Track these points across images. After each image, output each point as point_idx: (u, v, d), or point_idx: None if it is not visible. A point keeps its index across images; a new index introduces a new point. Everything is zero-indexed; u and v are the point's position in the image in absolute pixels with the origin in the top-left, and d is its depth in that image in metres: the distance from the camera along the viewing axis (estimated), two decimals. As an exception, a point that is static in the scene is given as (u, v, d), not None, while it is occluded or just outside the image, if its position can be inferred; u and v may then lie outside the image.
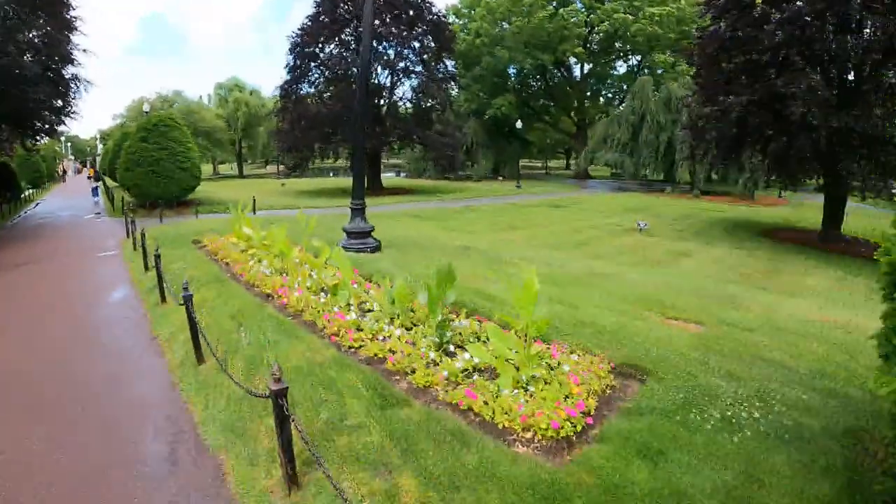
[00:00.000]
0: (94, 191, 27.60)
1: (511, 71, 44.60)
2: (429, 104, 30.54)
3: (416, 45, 29.88)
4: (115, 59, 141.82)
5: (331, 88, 29.75)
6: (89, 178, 29.08)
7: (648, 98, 37.86)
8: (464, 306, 5.76)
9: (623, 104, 46.71)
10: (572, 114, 48.85)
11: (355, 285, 6.47)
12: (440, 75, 29.94)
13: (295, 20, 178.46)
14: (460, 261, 9.51)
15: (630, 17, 40.64)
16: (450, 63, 31.73)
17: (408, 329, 5.11)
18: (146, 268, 9.22)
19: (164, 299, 7.32)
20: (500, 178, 40.89)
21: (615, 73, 50.43)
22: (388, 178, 43.83)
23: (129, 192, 20.67)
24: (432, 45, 29.99)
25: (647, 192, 35.94)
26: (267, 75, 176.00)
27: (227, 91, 60.69)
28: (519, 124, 37.05)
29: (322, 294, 6.43)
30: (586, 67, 48.02)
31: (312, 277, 7.01)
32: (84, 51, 20.24)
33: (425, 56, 29.84)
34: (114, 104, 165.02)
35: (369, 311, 5.72)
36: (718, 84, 16.51)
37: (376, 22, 28.05)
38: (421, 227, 18.66)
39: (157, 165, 19.37)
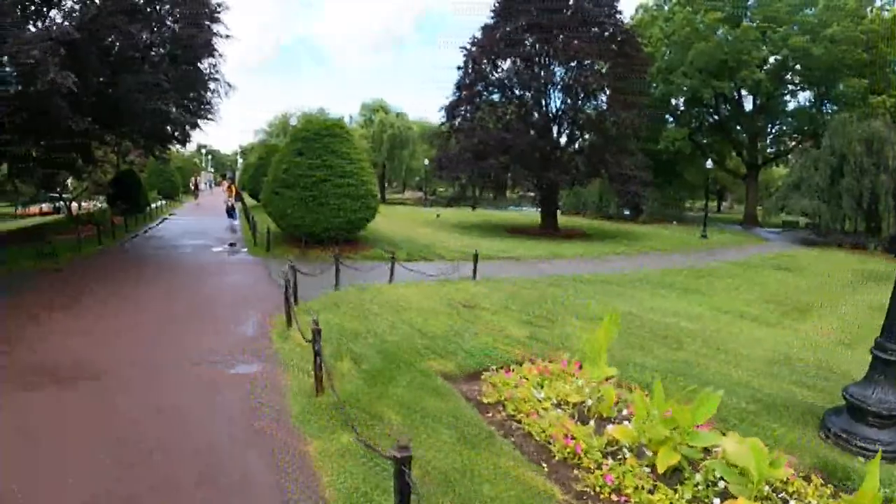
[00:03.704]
0: (231, 211, 24.15)
1: (677, 101, 38.61)
2: (614, 132, 24.97)
3: (606, 64, 24.91)
4: (255, 77, 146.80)
5: (506, 111, 25.06)
6: (228, 200, 25.25)
7: (850, 138, 31.68)
8: None
9: (798, 144, 40.85)
10: (743, 152, 41.62)
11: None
12: (631, 99, 24.35)
13: (442, 43, 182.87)
14: None
15: (808, 40, 33.72)
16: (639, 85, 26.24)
17: None
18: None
19: None
20: (674, 222, 34.56)
21: (787, 108, 43.46)
22: (512, 213, 38.88)
23: (277, 221, 16.38)
24: (623, 65, 24.71)
25: (850, 249, 29.71)
26: (410, 98, 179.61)
27: (371, 112, 58.98)
28: (709, 164, 30.86)
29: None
30: (758, 100, 41.27)
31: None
32: (226, 37, 16.59)
33: (613, 77, 24.58)
34: (255, 121, 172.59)
35: None
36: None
37: (559, 38, 23.37)
38: (679, 304, 13.10)
39: (316, 189, 14.76)
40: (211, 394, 5.71)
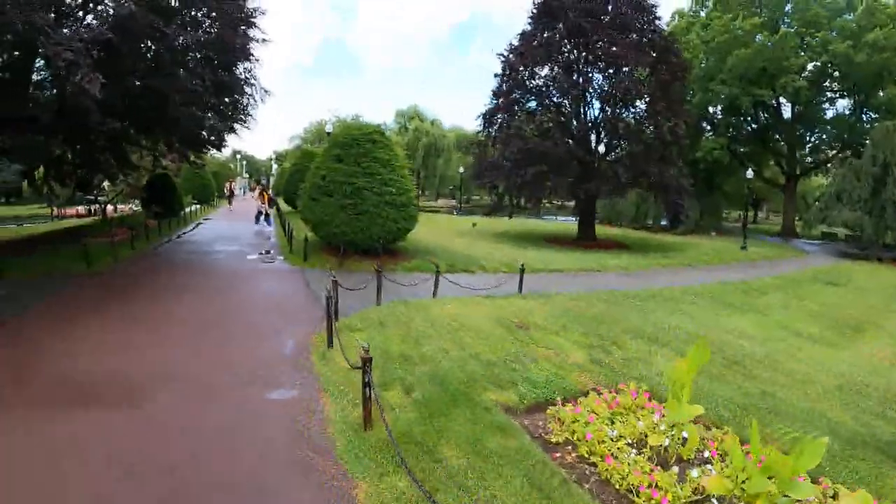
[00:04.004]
0: (264, 218, 23.90)
1: (714, 110, 37.66)
2: (655, 141, 24.32)
3: (644, 71, 24.30)
4: (289, 83, 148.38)
5: (544, 119, 24.73)
6: (261, 206, 24.75)
7: (893, 148, 30.79)
8: None
9: (837, 153, 39.74)
10: (782, 162, 40.46)
11: None
12: (671, 107, 23.61)
13: (476, 50, 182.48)
14: None
15: (850, 45, 32.51)
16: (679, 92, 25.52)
17: None
18: None
19: None
20: (713, 233, 33.63)
21: (825, 116, 42.10)
22: (548, 222, 38.17)
23: (314, 229, 15.73)
24: (663, 72, 24.05)
25: (891, 263, 27.97)
26: (445, 105, 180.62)
27: (406, 119, 59.14)
28: (750, 173, 29.82)
29: None
30: (796, 108, 40.02)
31: None
32: (263, 41, 16.32)
33: (653, 85, 23.90)
34: (290, 126, 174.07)
35: None
36: None
37: (598, 44, 22.94)
38: (735, 322, 12.53)
39: (357, 197, 14.22)
40: (248, 420, 5.26)
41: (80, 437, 4.78)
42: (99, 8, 13.22)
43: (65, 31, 9.76)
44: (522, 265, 12.62)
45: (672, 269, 19.84)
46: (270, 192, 28.21)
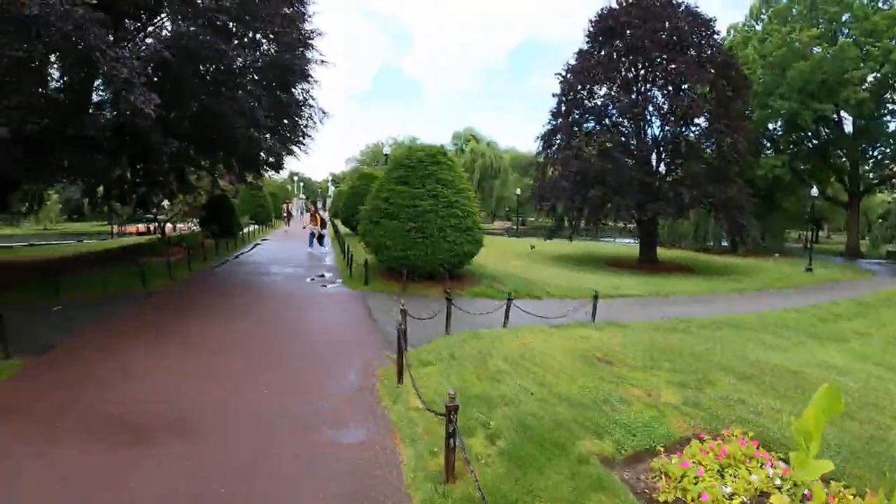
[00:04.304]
0: (317, 239, 23.99)
1: (774, 126, 36.36)
2: (717, 159, 23.53)
3: (704, 88, 23.70)
4: (346, 107, 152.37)
5: (604, 139, 24.33)
6: (314, 228, 24.64)
7: None
8: None
9: None
10: (844, 178, 38.70)
11: None
12: (732, 124, 22.79)
13: (529, 74, 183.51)
14: None
15: None
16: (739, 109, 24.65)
17: None
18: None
19: None
20: (776, 254, 32.25)
21: (887, 129, 40.07)
22: (607, 244, 37.35)
23: (375, 252, 15.41)
24: (724, 88, 23.34)
25: None
26: (500, 127, 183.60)
27: (463, 141, 59.48)
28: (814, 191, 28.48)
29: None
30: (858, 122, 38.22)
31: None
32: (321, 62, 16.32)
33: (714, 101, 23.17)
34: (346, 149, 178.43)
35: None
36: None
37: (657, 61, 22.49)
38: (822, 354, 11.66)
39: (421, 220, 14.03)
40: (310, 467, 4.83)
41: (121, 475, 4.55)
42: (157, 29, 13.50)
43: (121, 50, 9.83)
44: (596, 293, 12.10)
45: (740, 293, 18.93)
46: (324, 213, 28.35)
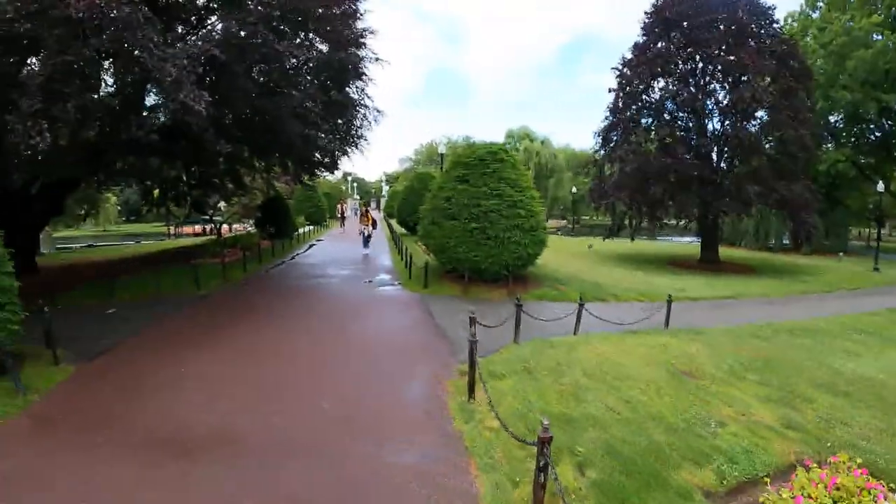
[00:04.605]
0: (364, 239, 23.97)
1: (836, 118, 34.72)
2: (781, 154, 22.58)
3: (765, 79, 22.71)
4: (400, 107, 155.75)
5: (663, 135, 23.62)
6: (364, 229, 24.13)
7: None
8: None
9: None
10: (912, 173, 36.89)
11: None
12: (797, 116, 21.77)
13: (582, 71, 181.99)
14: None
15: None
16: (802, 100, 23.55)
17: None
18: None
19: None
20: (840, 253, 30.89)
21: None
22: (665, 243, 36.43)
23: (435, 253, 15.18)
24: (786, 78, 22.37)
25: None
26: (554, 125, 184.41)
27: (517, 140, 59.20)
28: (881, 186, 27.03)
29: None
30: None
31: None
32: (376, 60, 16.20)
33: (776, 93, 22.18)
34: (400, 149, 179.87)
35: None
36: None
37: (716, 53, 22.13)
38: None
39: (484, 220, 13.56)
40: (374, 495, 4.48)
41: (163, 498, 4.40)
42: (208, 32, 13.52)
43: (170, 49, 9.88)
44: (670, 297, 11.62)
45: (811, 295, 18.05)
46: (375, 213, 28.25)
